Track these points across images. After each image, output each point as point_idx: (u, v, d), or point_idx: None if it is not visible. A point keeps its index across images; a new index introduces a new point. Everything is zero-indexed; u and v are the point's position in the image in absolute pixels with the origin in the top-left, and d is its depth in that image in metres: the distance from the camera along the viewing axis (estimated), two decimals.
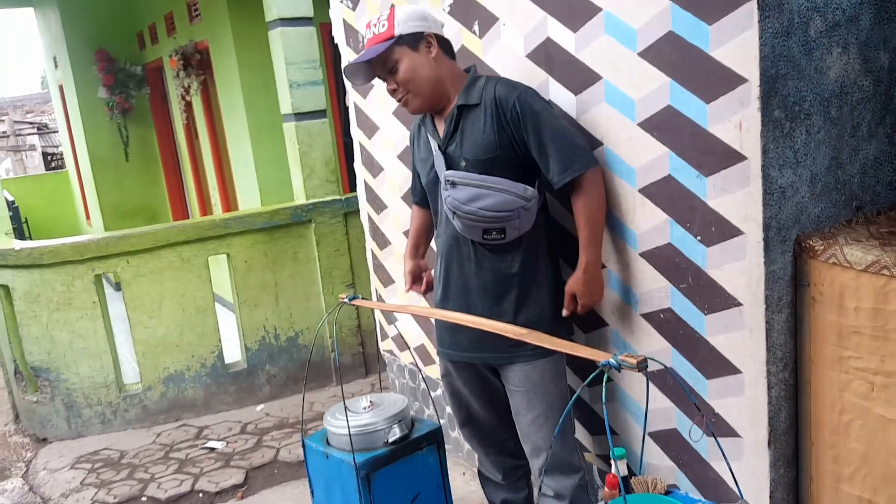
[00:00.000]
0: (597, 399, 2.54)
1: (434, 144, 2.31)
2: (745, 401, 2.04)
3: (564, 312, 2.28)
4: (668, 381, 2.28)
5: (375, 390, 4.74)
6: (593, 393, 2.57)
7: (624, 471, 1.79)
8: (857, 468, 1.88)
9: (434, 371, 3.52)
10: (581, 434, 2.67)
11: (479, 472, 2.73)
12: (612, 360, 1.68)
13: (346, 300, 2.57)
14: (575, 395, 1.67)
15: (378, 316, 4.09)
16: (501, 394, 2.44)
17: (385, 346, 4.02)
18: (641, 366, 1.64)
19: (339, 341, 4.94)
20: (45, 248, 4.31)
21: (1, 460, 4.37)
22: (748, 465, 2.06)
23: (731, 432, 2.09)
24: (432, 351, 3.52)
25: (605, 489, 1.79)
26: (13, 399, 4.92)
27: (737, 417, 2.07)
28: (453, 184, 2.20)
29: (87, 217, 9.59)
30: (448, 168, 2.25)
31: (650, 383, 2.31)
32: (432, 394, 3.63)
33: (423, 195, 2.55)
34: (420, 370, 3.18)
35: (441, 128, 2.31)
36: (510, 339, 2.09)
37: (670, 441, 2.31)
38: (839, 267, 1.83)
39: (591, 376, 1.65)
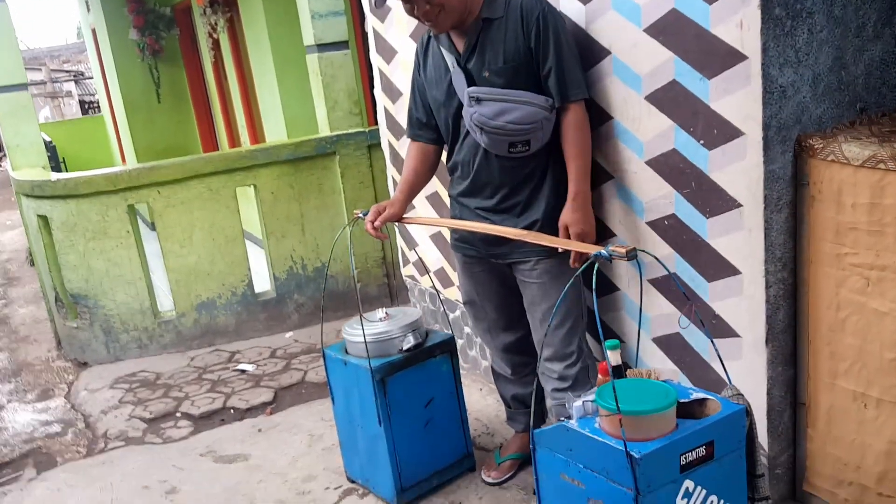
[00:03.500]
0: (607, 309, 2.60)
1: (451, 60, 2.33)
2: (743, 301, 2.08)
3: (561, 249, 2.28)
4: (671, 287, 2.34)
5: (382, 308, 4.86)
6: (604, 303, 2.63)
7: (617, 360, 1.85)
8: (853, 363, 1.92)
9: (452, 293, 3.61)
10: (592, 345, 2.75)
11: (491, 368, 2.85)
12: (602, 252, 1.75)
13: (360, 215, 2.65)
14: (570, 281, 1.74)
15: (400, 242, 4.17)
16: (513, 293, 2.53)
17: (406, 271, 4.11)
18: (630, 255, 1.71)
19: (365, 273, 5.05)
20: (80, 179, 4.46)
21: (44, 383, 4.61)
22: (747, 363, 2.12)
23: (730, 332, 2.14)
24: (451, 274, 3.61)
25: (599, 376, 1.87)
26: (55, 327, 5.15)
27: (736, 318, 2.12)
28: (478, 100, 2.23)
29: (122, 158, 9.81)
30: (468, 82, 2.28)
31: (653, 286, 2.37)
32: (450, 315, 3.73)
33: (421, 126, 2.54)
34: (439, 293, 3.26)
35: (460, 43, 2.32)
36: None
37: (672, 345, 2.37)
38: (838, 164, 1.86)
39: (582, 266, 1.72)
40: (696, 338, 2.29)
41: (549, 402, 2.55)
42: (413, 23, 3.30)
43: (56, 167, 8.35)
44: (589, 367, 2.42)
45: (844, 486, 2.02)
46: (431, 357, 2.70)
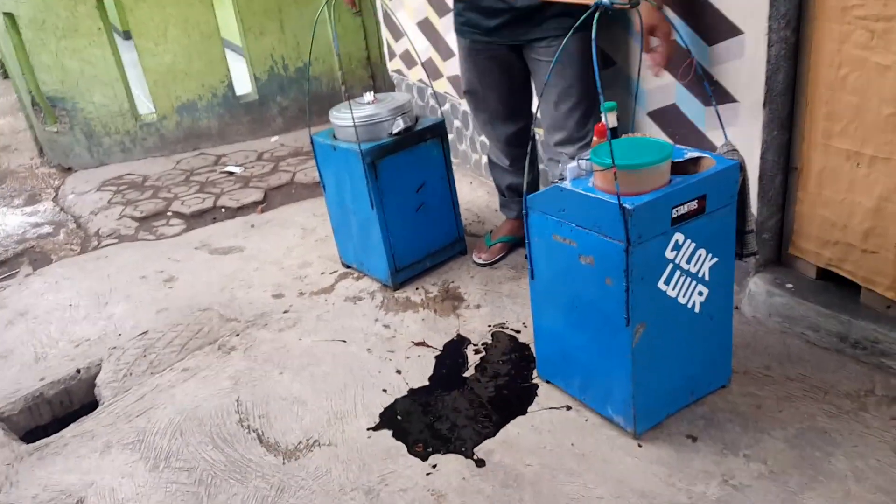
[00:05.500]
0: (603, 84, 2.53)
1: None
2: (744, 63, 2.02)
3: (647, 58, 2.06)
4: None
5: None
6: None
7: (613, 122, 1.82)
8: (849, 121, 1.90)
9: (441, 85, 3.51)
10: None
11: (488, 157, 2.81)
12: (604, 0, 1.66)
13: None
14: (569, 34, 1.67)
15: (385, 34, 4.01)
16: (518, 82, 2.45)
17: (393, 65, 3.99)
18: (634, 1, 1.62)
19: (349, 73, 4.89)
20: None
21: (30, 188, 4.57)
22: (742, 129, 2.09)
23: (728, 98, 2.09)
24: (440, 65, 3.49)
25: (594, 138, 1.84)
26: (35, 134, 5.03)
27: (735, 81, 2.06)
28: None
29: None
30: None
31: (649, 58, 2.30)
32: (440, 109, 3.65)
33: None
34: (429, 85, 3.16)
35: None
36: (546, 15, 2.08)
37: (667, 116, 2.33)
38: None
39: (583, 16, 1.64)
40: (691, 107, 2.25)
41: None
42: None
43: None
44: None
45: (830, 246, 2.07)
46: (422, 141, 2.66)
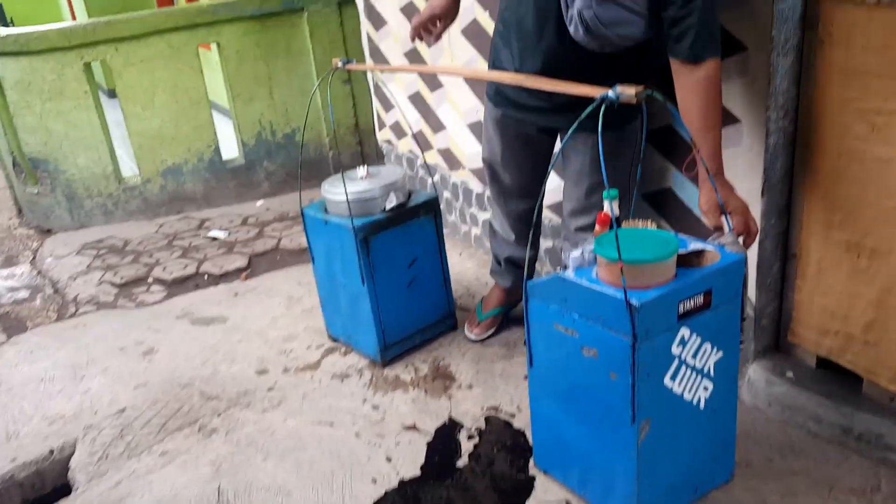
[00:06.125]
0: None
1: None
2: (741, 150, 2.02)
3: (714, 230, 1.86)
4: (664, 141, 2.26)
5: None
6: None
7: (616, 211, 1.80)
8: (849, 212, 1.89)
9: (431, 157, 3.51)
10: None
11: (490, 225, 2.74)
12: (609, 94, 1.64)
13: (339, 64, 2.49)
14: (571, 129, 1.65)
15: (376, 104, 4.02)
16: (541, 162, 2.40)
17: (382, 136, 3.98)
18: (640, 96, 1.61)
19: (337, 140, 4.89)
20: (32, 34, 4.16)
21: (7, 250, 4.46)
22: None
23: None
24: (431, 137, 3.49)
25: (597, 227, 1.82)
26: (14, 194, 4.95)
27: (733, 168, 2.05)
28: None
29: (73, 17, 9.25)
30: None
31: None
32: (429, 180, 3.64)
33: None
34: (419, 156, 3.16)
35: None
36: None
37: (663, 200, 2.33)
38: (851, 3, 1.75)
39: (589, 108, 1.62)
40: (687, 192, 2.25)
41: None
42: None
43: (5, 24, 7.84)
44: None
45: (830, 336, 2.04)
46: (415, 217, 2.63)
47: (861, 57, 1.76)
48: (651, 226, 1.85)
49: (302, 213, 2.74)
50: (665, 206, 2.33)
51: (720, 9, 1.92)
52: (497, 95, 2.32)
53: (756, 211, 2.04)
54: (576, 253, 1.76)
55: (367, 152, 5.00)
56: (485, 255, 3.41)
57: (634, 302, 1.56)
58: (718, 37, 1.81)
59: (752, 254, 2.08)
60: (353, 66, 2.49)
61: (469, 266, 3.40)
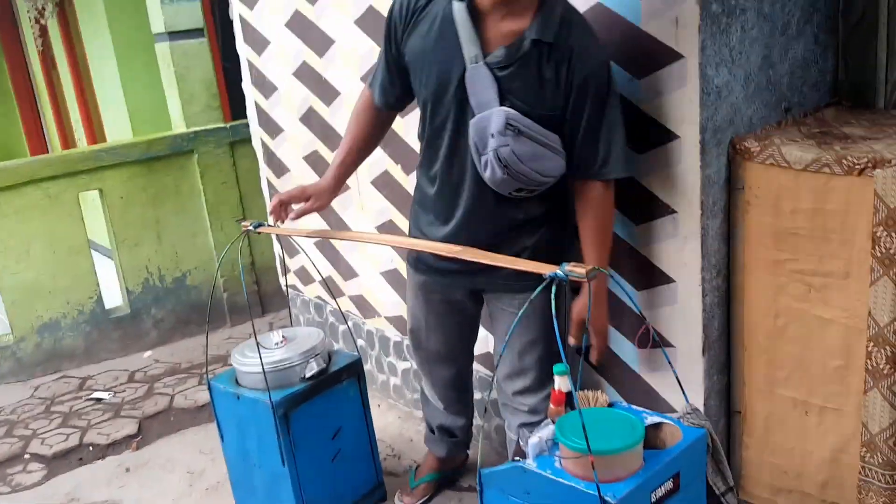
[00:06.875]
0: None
1: (474, 52, 1.80)
2: (678, 310, 2.00)
3: (571, 341, 1.99)
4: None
5: (274, 329, 4.53)
6: None
7: (567, 386, 1.71)
8: (793, 370, 1.88)
9: (343, 304, 3.36)
10: None
11: (421, 391, 2.59)
12: (559, 272, 1.58)
13: (250, 227, 2.33)
14: (522, 310, 1.57)
15: (277, 249, 3.85)
16: (466, 325, 2.30)
17: (287, 279, 3.81)
18: (591, 275, 1.55)
19: (231, 280, 4.66)
20: None
21: None
22: (682, 374, 2.03)
23: (663, 343, 2.05)
24: (341, 283, 3.35)
25: (551, 406, 1.71)
26: None
27: (669, 327, 2.03)
28: (518, 132, 1.77)
29: None
30: (501, 102, 1.80)
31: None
32: (341, 328, 3.47)
33: (390, 93, 2.06)
34: (329, 303, 3.01)
35: (491, 41, 1.81)
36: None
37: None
38: (777, 168, 1.79)
39: (538, 289, 1.55)
40: (624, 349, 2.19)
41: (511, 436, 2.26)
42: (289, 9, 3.00)
43: None
44: None
45: (784, 494, 1.99)
46: (337, 382, 2.45)
47: (791, 219, 1.80)
48: (602, 397, 1.77)
49: (209, 386, 2.50)
50: (605, 366, 2.25)
51: (650, 172, 1.94)
52: (418, 262, 2.21)
53: (699, 368, 2.01)
54: (534, 440, 1.64)
55: (266, 291, 4.77)
56: (405, 407, 3.24)
57: (609, 498, 1.44)
58: (628, 158, 1.88)
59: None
60: (266, 228, 2.34)
61: (390, 420, 3.21)
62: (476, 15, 1.81)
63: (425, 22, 1.89)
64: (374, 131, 2.21)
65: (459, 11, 1.81)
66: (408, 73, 1.98)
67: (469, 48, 1.80)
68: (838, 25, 2.10)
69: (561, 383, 1.69)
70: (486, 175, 1.85)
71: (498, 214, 1.96)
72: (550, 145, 1.82)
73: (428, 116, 1.96)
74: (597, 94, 1.80)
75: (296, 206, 2.23)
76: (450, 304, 2.25)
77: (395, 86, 2.05)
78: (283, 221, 2.26)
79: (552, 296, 1.51)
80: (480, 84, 1.81)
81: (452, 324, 2.30)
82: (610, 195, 1.89)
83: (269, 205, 2.18)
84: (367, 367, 3.41)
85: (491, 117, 1.79)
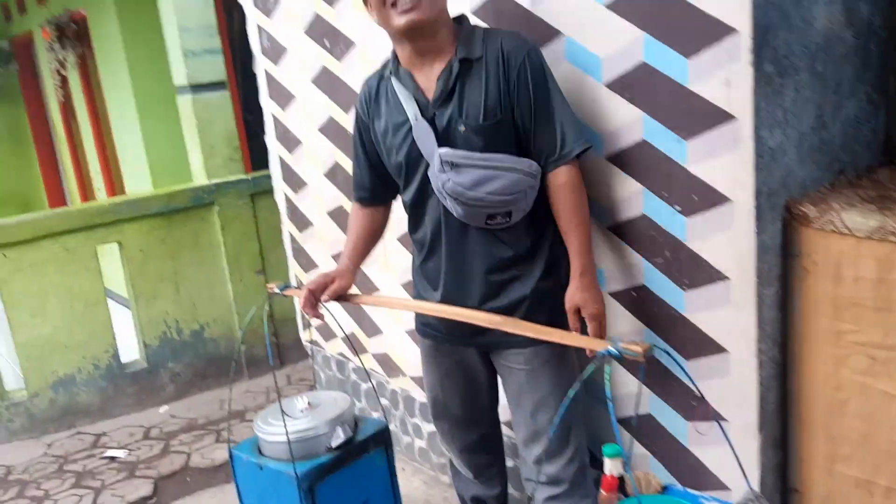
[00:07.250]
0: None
1: (414, 110, 1.92)
2: (731, 382, 1.89)
3: (572, 340, 1.91)
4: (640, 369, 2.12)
5: (292, 383, 4.43)
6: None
7: (620, 470, 1.59)
8: (856, 448, 1.76)
9: (367, 361, 3.26)
10: None
11: (450, 463, 2.47)
12: (611, 349, 1.48)
13: (276, 289, 2.26)
14: (577, 385, 1.46)
15: (297, 303, 3.77)
16: (481, 385, 2.21)
17: (307, 336, 3.72)
18: (648, 354, 1.45)
19: (250, 332, 4.57)
20: None
21: None
22: (735, 449, 1.91)
23: (715, 416, 1.94)
24: (364, 339, 3.26)
25: (602, 492, 1.60)
26: None
27: (722, 400, 1.91)
28: (454, 165, 1.86)
29: None
30: (438, 140, 1.89)
31: (619, 365, 2.15)
32: (363, 386, 3.37)
33: (373, 190, 2.18)
34: (351, 360, 2.91)
35: (429, 86, 1.92)
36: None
37: (643, 427, 2.15)
38: (836, 234, 1.70)
39: (589, 370, 1.44)
40: (670, 420, 2.08)
41: None
42: (316, 66, 2.96)
43: None
44: (586, 465, 2.10)
45: None
46: (364, 452, 2.35)
47: (853, 289, 1.69)
48: (655, 481, 1.66)
49: (230, 456, 2.39)
50: (645, 435, 2.14)
51: (697, 236, 1.85)
52: (424, 327, 2.21)
53: (754, 444, 1.88)
54: None
55: (285, 344, 4.68)
56: (431, 472, 3.11)
57: None
58: (582, 131, 1.90)
59: (755, 487, 1.91)
60: (292, 291, 2.26)
61: (416, 485, 3.08)
62: (410, 75, 1.93)
63: (381, 103, 2.03)
64: (373, 227, 2.26)
65: (395, 81, 1.96)
66: (382, 161, 2.09)
67: (409, 108, 1.92)
68: (889, 84, 2.03)
69: (612, 467, 1.58)
70: (452, 208, 1.93)
71: (485, 255, 1.98)
72: (494, 166, 1.87)
73: (402, 185, 2.06)
74: (536, 81, 1.87)
75: (326, 292, 2.16)
76: (462, 367, 2.20)
77: (374, 178, 2.16)
78: (317, 309, 2.16)
79: (605, 377, 1.41)
80: (424, 136, 1.90)
81: (467, 383, 2.22)
82: (578, 174, 1.91)
83: (300, 299, 2.14)
84: (391, 427, 3.30)
85: (433, 161, 1.89)
